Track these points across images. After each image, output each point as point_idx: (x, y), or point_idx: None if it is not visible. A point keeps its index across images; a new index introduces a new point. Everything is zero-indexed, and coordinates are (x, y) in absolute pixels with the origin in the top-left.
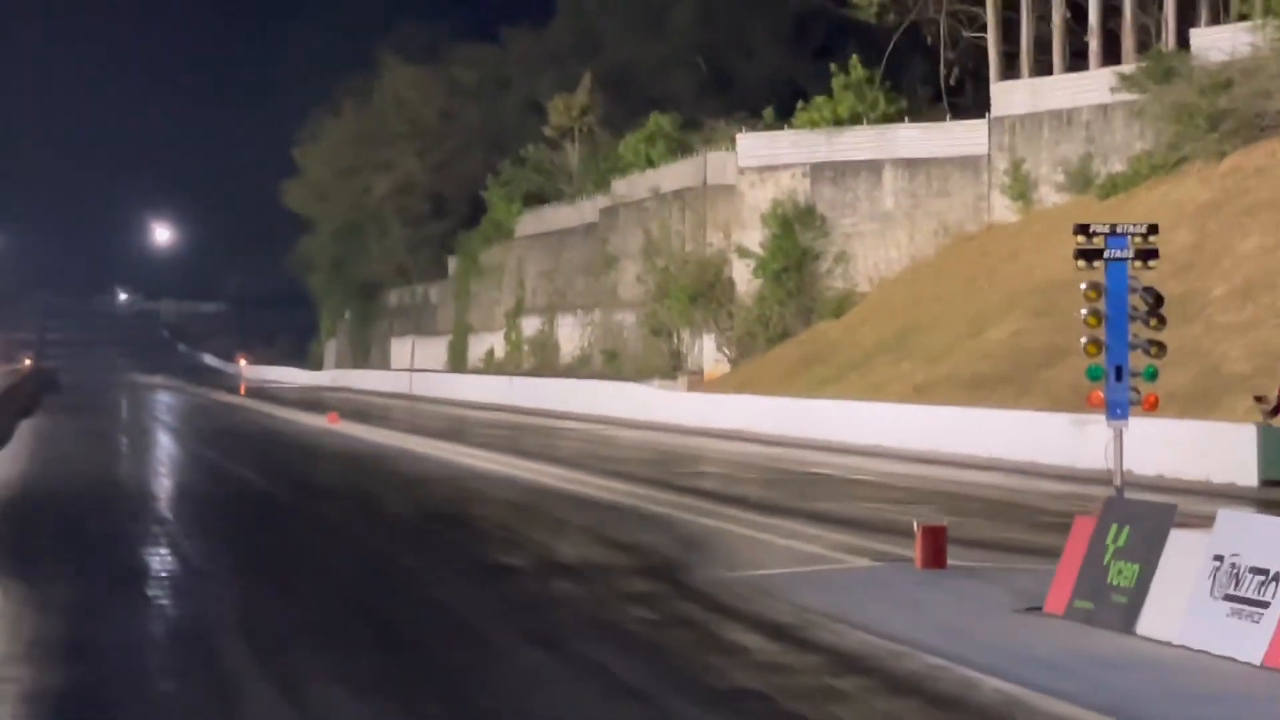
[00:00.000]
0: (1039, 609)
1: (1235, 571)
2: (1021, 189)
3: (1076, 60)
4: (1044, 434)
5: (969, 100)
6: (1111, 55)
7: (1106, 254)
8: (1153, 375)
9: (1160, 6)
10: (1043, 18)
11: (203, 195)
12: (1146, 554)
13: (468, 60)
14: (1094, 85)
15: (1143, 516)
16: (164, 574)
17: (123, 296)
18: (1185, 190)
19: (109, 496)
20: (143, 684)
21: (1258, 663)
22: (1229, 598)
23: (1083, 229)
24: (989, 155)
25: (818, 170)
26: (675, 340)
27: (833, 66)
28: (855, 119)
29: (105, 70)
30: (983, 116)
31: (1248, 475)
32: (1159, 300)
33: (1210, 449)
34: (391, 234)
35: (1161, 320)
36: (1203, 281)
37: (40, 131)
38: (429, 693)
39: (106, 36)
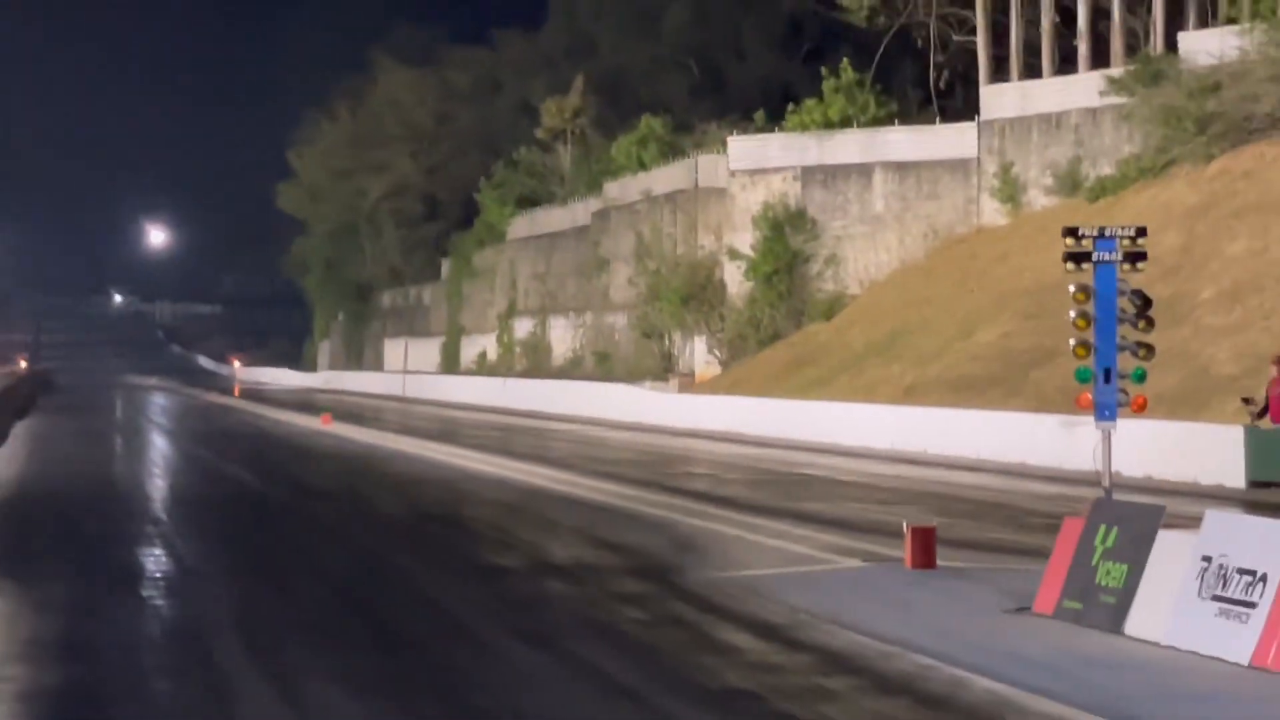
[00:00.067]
0: (1028, 609)
1: (1223, 572)
2: (1011, 192)
3: (1065, 64)
4: (1033, 435)
5: (959, 103)
6: (1100, 59)
7: (1095, 257)
8: (1141, 377)
9: (1149, 10)
10: (1032, 21)
11: (198, 197)
12: (1135, 555)
13: (462, 63)
14: (1083, 89)
15: (1131, 517)
16: (160, 574)
17: (118, 298)
18: (1173, 193)
19: (105, 497)
20: (139, 683)
21: (1245, 663)
22: (1217, 598)
23: (1071, 232)
24: (978, 158)
25: (808, 173)
26: (666, 342)
27: (823, 70)
28: (846, 122)
29: (102, 71)
30: (972, 120)
31: (1235, 476)
32: (1147, 303)
33: (1198, 450)
34: (385, 236)
35: (1150, 322)
36: (1191, 284)
37: (36, 131)
38: (424, 691)
39: (103, 36)
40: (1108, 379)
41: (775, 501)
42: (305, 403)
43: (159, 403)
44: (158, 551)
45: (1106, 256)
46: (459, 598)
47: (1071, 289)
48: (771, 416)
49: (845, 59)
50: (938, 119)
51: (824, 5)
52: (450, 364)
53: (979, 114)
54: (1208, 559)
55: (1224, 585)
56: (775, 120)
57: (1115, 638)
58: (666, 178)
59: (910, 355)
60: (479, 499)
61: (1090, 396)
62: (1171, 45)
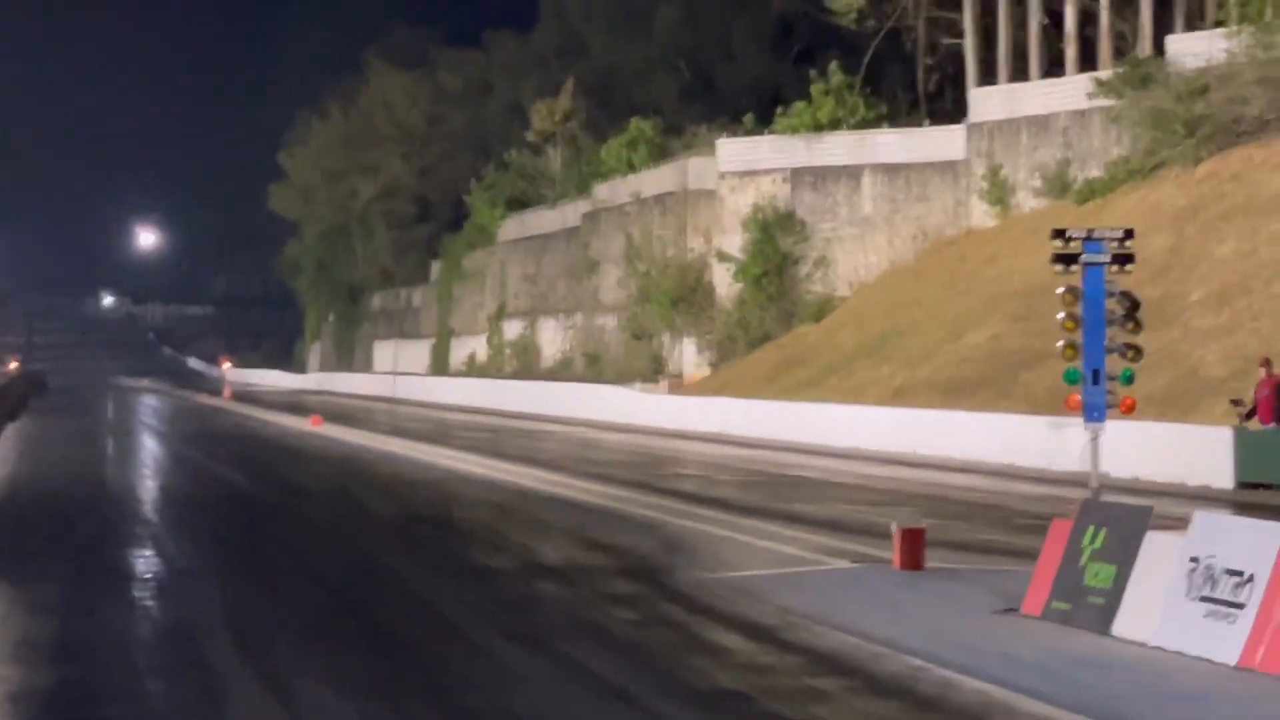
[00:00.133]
0: (1017, 610)
1: (1211, 573)
2: (999, 194)
3: (1054, 67)
4: (1022, 437)
5: (948, 106)
6: (1088, 62)
7: (1083, 258)
8: (1129, 379)
9: (1137, 13)
10: (1020, 24)
11: (191, 197)
12: (1123, 556)
13: (453, 65)
14: (1071, 91)
15: (1119, 518)
16: (151, 575)
17: (109, 299)
18: (1162, 195)
19: (96, 498)
20: (132, 684)
21: (1233, 664)
22: (1205, 599)
23: (1060, 234)
24: (967, 161)
25: (798, 175)
26: (656, 344)
27: (812, 72)
28: (835, 124)
29: (100, 71)
30: (961, 122)
31: (1223, 478)
32: (1135, 304)
33: (1186, 452)
34: (377, 237)
35: (1138, 324)
36: (1179, 286)
37: (33, 131)
38: (416, 692)
39: (99, 36)
40: (1096, 380)
41: (765, 503)
42: (295, 404)
43: (150, 404)
44: (149, 553)
45: (1095, 258)
46: (451, 599)
47: (1060, 291)
48: (761, 418)
49: (834, 62)
50: (926, 121)
51: (814, 8)
52: (440, 365)
53: (967, 116)
54: (1196, 560)
55: (1212, 586)
56: (765, 122)
57: (1103, 638)
58: (656, 180)
59: (900, 357)
60: (470, 500)
61: (1079, 398)
62: (1159, 48)
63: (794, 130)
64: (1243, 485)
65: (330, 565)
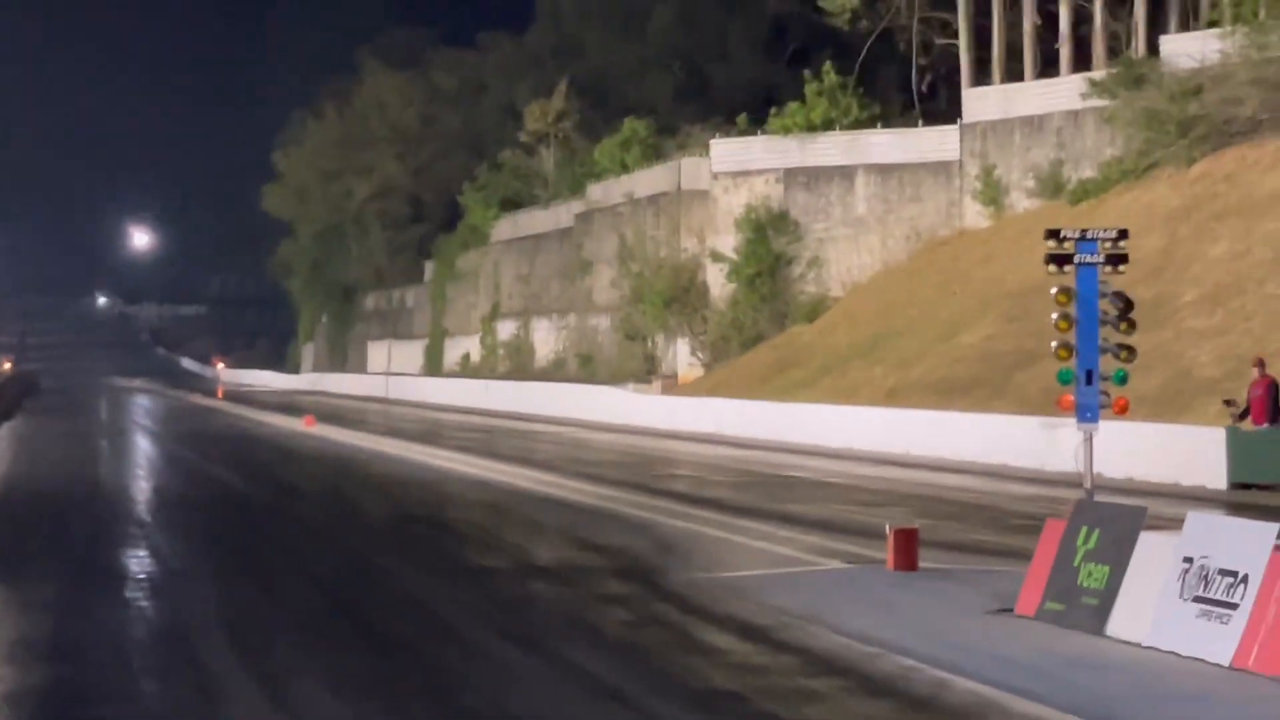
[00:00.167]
0: (1010, 610)
1: (1204, 573)
2: (993, 194)
3: (1047, 67)
4: (1015, 437)
5: (941, 106)
6: (1082, 62)
7: (1077, 259)
8: (1123, 379)
9: (1130, 14)
10: (1014, 25)
11: (185, 198)
12: (1116, 556)
13: (448, 65)
14: (1065, 91)
15: (1113, 519)
16: (146, 575)
17: (101, 300)
18: (1155, 196)
19: (90, 498)
20: (127, 684)
21: (1226, 664)
22: (1198, 599)
23: (1053, 234)
24: (961, 161)
25: (791, 175)
26: (649, 344)
27: (806, 73)
28: (828, 125)
29: (95, 72)
30: (954, 122)
31: (1217, 478)
32: (1129, 305)
33: (1180, 452)
34: (371, 238)
35: (1131, 324)
36: (1173, 286)
37: (24, 131)
38: (412, 692)
39: (97, 36)
40: (1090, 381)
41: (758, 503)
42: (288, 404)
43: (143, 404)
44: (143, 553)
45: (1088, 259)
46: (445, 599)
47: (1053, 291)
48: (754, 418)
49: (828, 62)
50: (920, 122)
51: (808, 9)
52: (433, 366)
53: (961, 117)
54: (1189, 560)
55: (1205, 586)
56: (758, 123)
57: (1097, 639)
58: (649, 180)
59: (893, 357)
60: (463, 500)
61: (1072, 398)
62: (1153, 48)
63: (787, 130)
64: (1236, 486)
65: (325, 565)
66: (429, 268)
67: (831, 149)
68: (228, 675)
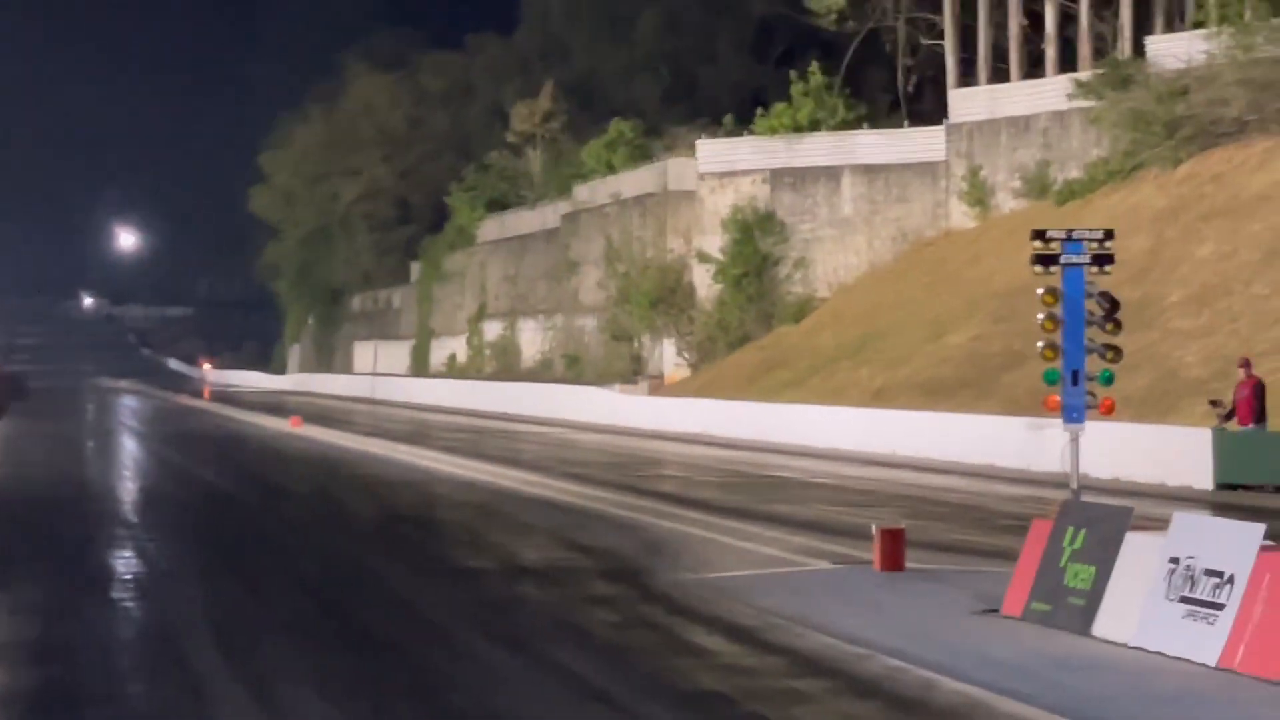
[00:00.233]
0: (996, 611)
1: (1190, 574)
2: (979, 195)
3: (1033, 68)
4: (1002, 438)
5: (927, 107)
6: (1068, 63)
7: (1063, 259)
8: (1109, 380)
9: (1116, 15)
10: (1000, 25)
11: (171, 200)
12: (1103, 556)
13: (435, 67)
14: (1051, 92)
15: (1099, 519)
16: (133, 576)
17: (87, 301)
18: (1142, 197)
19: (77, 499)
20: (114, 685)
21: (1213, 664)
22: (1184, 600)
23: (1040, 234)
24: (947, 162)
25: (777, 176)
26: (636, 345)
27: (792, 73)
28: (815, 125)
29: (84, 73)
30: (941, 123)
31: (1203, 478)
32: (1115, 305)
33: (1166, 452)
34: (358, 239)
35: (1118, 325)
36: (1159, 287)
37: (9, 132)
38: (399, 693)
39: (93, 37)
40: (1076, 381)
41: (745, 504)
42: (275, 405)
43: (130, 405)
44: (130, 554)
45: (1074, 259)
46: (432, 600)
47: (1040, 292)
48: (741, 419)
49: (814, 63)
50: (906, 122)
51: (794, 10)
52: (420, 367)
53: (947, 117)
54: (1175, 561)
55: (1192, 587)
56: (745, 124)
57: (1083, 639)
58: (636, 181)
59: (880, 358)
60: (450, 501)
61: (1058, 399)
62: (1139, 49)
63: (774, 131)
64: (1222, 486)
65: (311, 566)
66: (415, 269)
67: (818, 150)
68: (214, 676)
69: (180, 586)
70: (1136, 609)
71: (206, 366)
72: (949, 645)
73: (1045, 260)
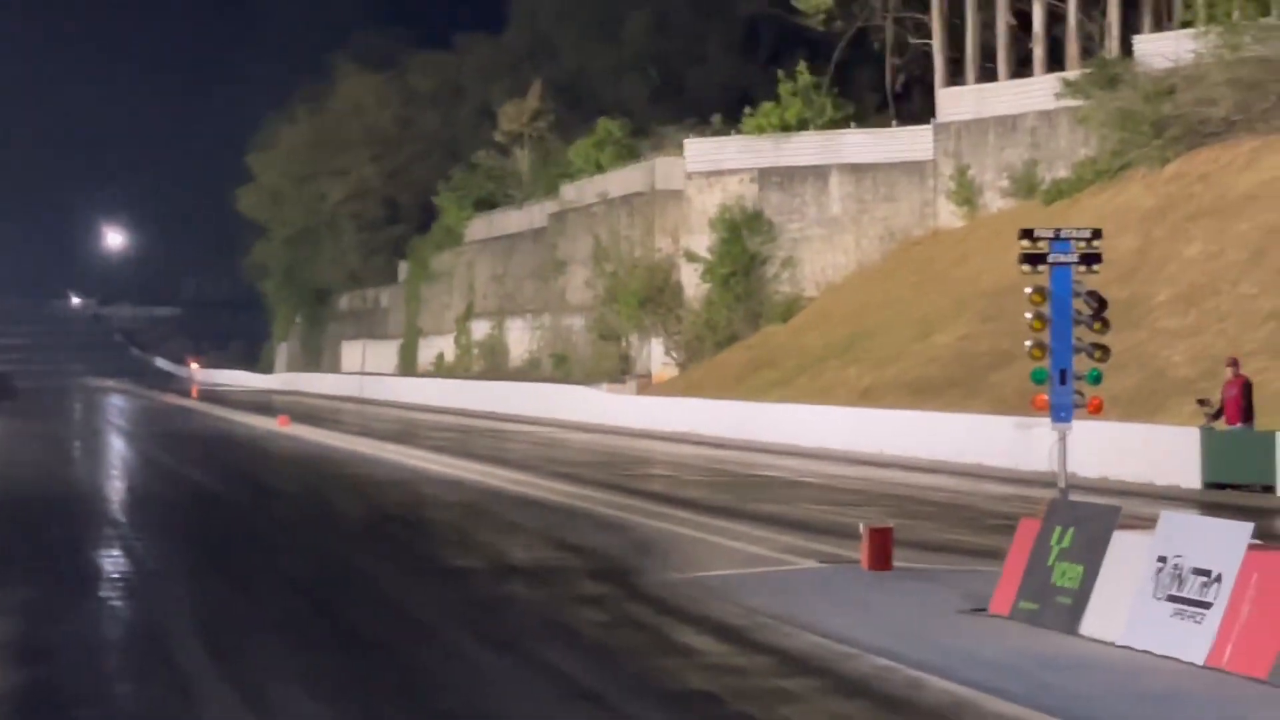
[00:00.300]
0: (984, 610)
1: (1178, 572)
2: (967, 194)
3: (1021, 67)
4: (990, 437)
5: (915, 106)
6: (1056, 62)
7: (1051, 258)
8: (1097, 379)
9: (1104, 14)
10: (988, 25)
11: (159, 200)
12: (1090, 555)
13: (424, 67)
14: (1039, 91)
15: (1087, 518)
16: (120, 576)
17: (75, 301)
18: (1129, 196)
19: (64, 499)
20: (102, 686)
21: (1200, 663)
22: (1172, 598)
23: (1027, 234)
24: (935, 161)
25: (765, 175)
26: (624, 344)
27: (780, 73)
28: (802, 125)
29: (74, 74)
30: (928, 122)
31: (1191, 478)
32: (1103, 304)
33: (1154, 452)
34: (345, 239)
35: (1105, 324)
36: (1147, 287)
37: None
38: (387, 693)
39: (90, 37)
40: (1064, 380)
41: (733, 503)
42: (263, 404)
43: (117, 405)
44: (118, 553)
45: (1062, 258)
46: (421, 599)
47: (1028, 291)
48: (729, 418)
49: (802, 62)
50: (894, 122)
51: (782, 10)
52: (408, 366)
53: (935, 116)
54: (1163, 559)
55: (1179, 586)
56: (733, 123)
57: (1071, 638)
58: (623, 180)
59: (868, 357)
60: (439, 500)
61: (1046, 398)
62: (1127, 49)
63: (762, 130)
64: (1210, 485)
65: (300, 565)
66: (403, 268)
67: (806, 149)
68: (202, 676)
69: (168, 586)
70: (1124, 608)
71: (194, 366)
72: (937, 644)
73: (1033, 259)
